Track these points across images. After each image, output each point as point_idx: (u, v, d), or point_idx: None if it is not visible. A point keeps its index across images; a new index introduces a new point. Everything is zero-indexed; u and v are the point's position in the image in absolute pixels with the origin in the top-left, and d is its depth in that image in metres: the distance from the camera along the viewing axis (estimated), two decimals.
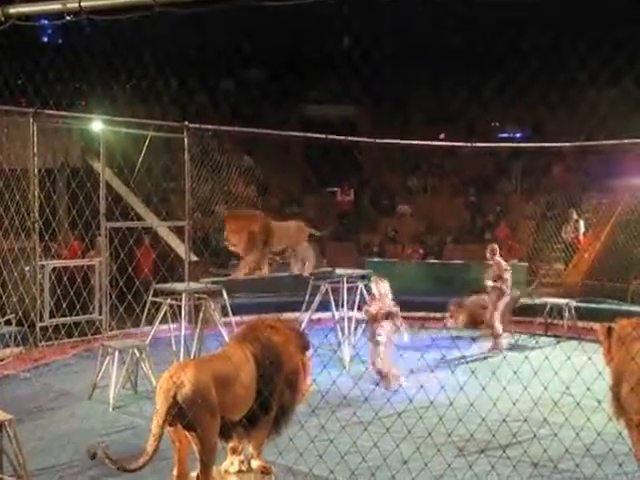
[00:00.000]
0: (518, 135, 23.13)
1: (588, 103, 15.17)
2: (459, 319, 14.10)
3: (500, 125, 23.56)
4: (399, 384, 10.20)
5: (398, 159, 22.26)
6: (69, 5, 5.16)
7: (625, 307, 14.81)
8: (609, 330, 7.12)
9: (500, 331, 12.82)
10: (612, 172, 18.02)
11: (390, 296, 10.88)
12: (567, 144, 15.71)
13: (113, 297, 12.65)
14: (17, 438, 6.72)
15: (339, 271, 12.91)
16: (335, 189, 22.30)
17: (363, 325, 13.21)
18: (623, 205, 17.56)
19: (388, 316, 10.59)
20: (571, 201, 18.34)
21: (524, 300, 14.77)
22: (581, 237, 17.78)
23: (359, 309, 12.82)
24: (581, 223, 17.79)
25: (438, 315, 15.30)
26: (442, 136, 21.67)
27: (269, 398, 6.12)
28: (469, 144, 15.33)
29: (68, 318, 12.74)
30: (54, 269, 13.08)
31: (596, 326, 8.08)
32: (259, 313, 14.30)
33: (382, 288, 10.82)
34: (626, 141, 13.35)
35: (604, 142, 14.10)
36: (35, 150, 12.53)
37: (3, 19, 5.33)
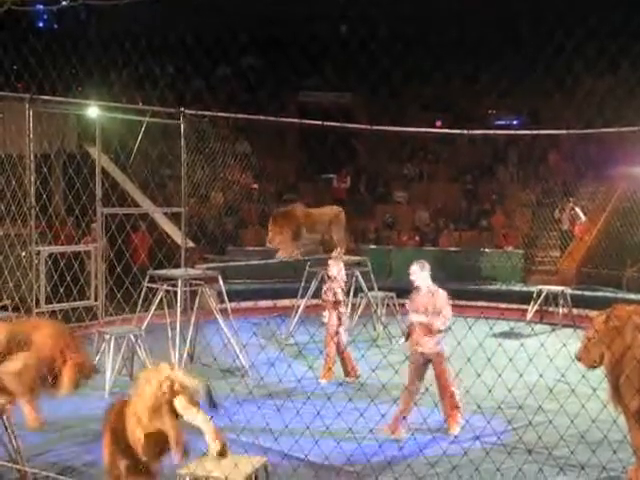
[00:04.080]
0: (514, 122, 23.11)
1: (585, 90, 15.16)
2: None
3: (496, 112, 23.53)
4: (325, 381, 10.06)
5: (394, 146, 22.24)
6: None
7: (621, 294, 14.85)
8: (607, 319, 7.06)
9: None
10: (609, 160, 18.02)
11: (344, 279, 10.74)
12: (564, 131, 15.70)
13: (110, 283, 12.67)
14: (11, 423, 6.75)
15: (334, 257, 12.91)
16: (331, 176, 22.28)
17: (359, 311, 13.30)
18: (620, 193, 17.57)
19: (335, 305, 10.37)
20: (567, 189, 18.35)
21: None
22: (580, 224, 17.73)
23: (354, 295, 12.87)
24: (577, 210, 17.77)
25: None
26: (439, 123, 21.65)
27: None
28: (465, 131, 15.31)
29: (65, 304, 12.74)
30: (50, 255, 13.06)
31: (593, 313, 8.08)
32: (255, 299, 14.42)
33: (336, 270, 10.69)
34: (623, 129, 13.32)
35: (601, 129, 14.09)
36: (31, 135, 12.50)
37: None
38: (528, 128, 19.35)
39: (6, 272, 12.22)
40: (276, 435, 6.62)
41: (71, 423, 8.23)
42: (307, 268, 13.08)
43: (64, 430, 8.03)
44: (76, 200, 12.83)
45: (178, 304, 10.23)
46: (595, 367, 7.01)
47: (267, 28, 21.86)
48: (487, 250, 17.92)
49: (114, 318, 12.50)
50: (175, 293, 10.39)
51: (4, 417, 6.75)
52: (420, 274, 8.42)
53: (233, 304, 11.58)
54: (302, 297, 13.00)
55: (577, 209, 17.82)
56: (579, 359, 7.03)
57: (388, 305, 13.57)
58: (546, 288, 14.65)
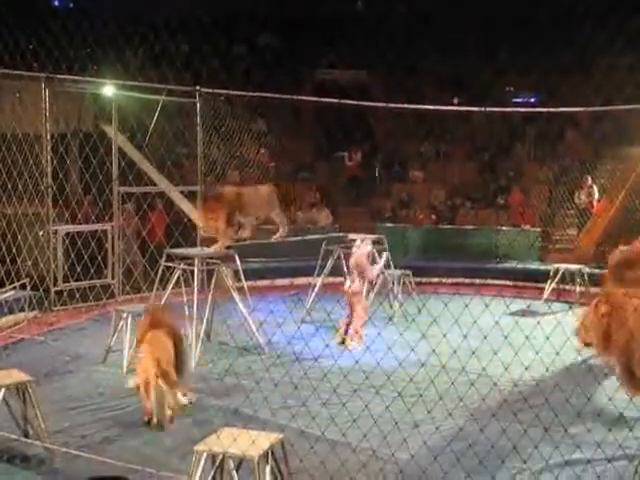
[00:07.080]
0: (532, 100, 22.91)
1: (604, 68, 15.01)
2: None
3: (514, 90, 23.35)
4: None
5: (411, 125, 22.13)
6: None
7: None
8: (599, 304, 7.00)
9: None
10: (628, 138, 17.86)
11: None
12: (582, 109, 15.59)
13: (127, 261, 12.73)
14: (37, 399, 6.83)
15: (352, 236, 12.92)
16: (343, 153, 22.20)
17: (375, 290, 13.30)
18: (639, 171, 17.42)
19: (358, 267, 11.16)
20: (585, 167, 18.22)
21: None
22: (595, 202, 17.65)
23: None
24: (595, 188, 17.67)
25: (450, 280, 15.38)
26: (455, 101, 21.50)
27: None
28: (483, 109, 15.20)
29: (82, 282, 12.83)
30: (68, 234, 13.13)
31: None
32: (272, 278, 14.42)
33: (362, 248, 11.28)
34: None
35: (620, 107, 13.97)
36: (47, 115, 12.53)
37: None
38: (546, 106, 19.21)
39: (24, 251, 12.31)
40: (293, 412, 6.66)
41: (90, 401, 8.31)
42: (323, 246, 13.09)
43: (83, 407, 8.10)
44: (93, 179, 12.88)
45: (195, 283, 10.25)
46: (588, 346, 7.10)
47: (283, 6, 21.76)
48: (504, 228, 17.83)
49: (131, 297, 12.58)
50: (192, 272, 10.42)
51: (30, 393, 6.84)
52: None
53: (250, 282, 11.61)
54: (319, 275, 13.01)
55: (595, 187, 17.72)
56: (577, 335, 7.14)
57: (404, 283, 13.56)
58: (563, 266, 14.58)
